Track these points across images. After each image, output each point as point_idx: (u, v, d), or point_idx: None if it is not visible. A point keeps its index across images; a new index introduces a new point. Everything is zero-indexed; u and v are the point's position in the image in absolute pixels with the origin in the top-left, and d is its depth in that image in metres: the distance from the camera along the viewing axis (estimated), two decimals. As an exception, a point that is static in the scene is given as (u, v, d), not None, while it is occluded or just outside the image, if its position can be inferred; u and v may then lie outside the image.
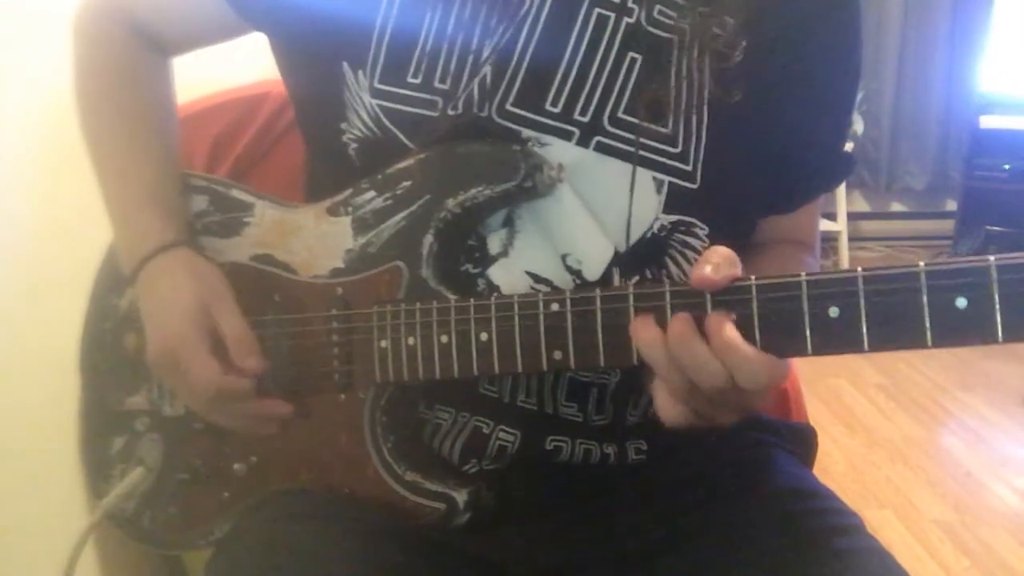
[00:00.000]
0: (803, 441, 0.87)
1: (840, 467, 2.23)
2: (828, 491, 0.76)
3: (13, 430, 0.92)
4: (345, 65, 0.71)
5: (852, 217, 4.02)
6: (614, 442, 0.75)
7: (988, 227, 3.73)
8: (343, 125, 0.73)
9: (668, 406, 0.59)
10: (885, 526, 1.95)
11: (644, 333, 0.57)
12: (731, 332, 0.54)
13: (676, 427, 0.59)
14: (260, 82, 1.17)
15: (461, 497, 0.69)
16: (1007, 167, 3.72)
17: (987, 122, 3.79)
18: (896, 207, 4.32)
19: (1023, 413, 2.52)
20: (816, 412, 2.45)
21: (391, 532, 0.70)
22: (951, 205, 4.16)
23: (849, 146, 0.83)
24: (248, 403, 0.75)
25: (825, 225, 3.68)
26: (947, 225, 4.04)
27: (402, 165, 0.71)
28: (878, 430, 2.44)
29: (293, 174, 0.91)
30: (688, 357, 0.56)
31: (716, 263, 0.56)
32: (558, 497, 0.75)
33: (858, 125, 3.73)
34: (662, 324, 0.57)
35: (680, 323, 0.56)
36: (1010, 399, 2.60)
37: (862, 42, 0.76)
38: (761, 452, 0.81)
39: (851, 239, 3.96)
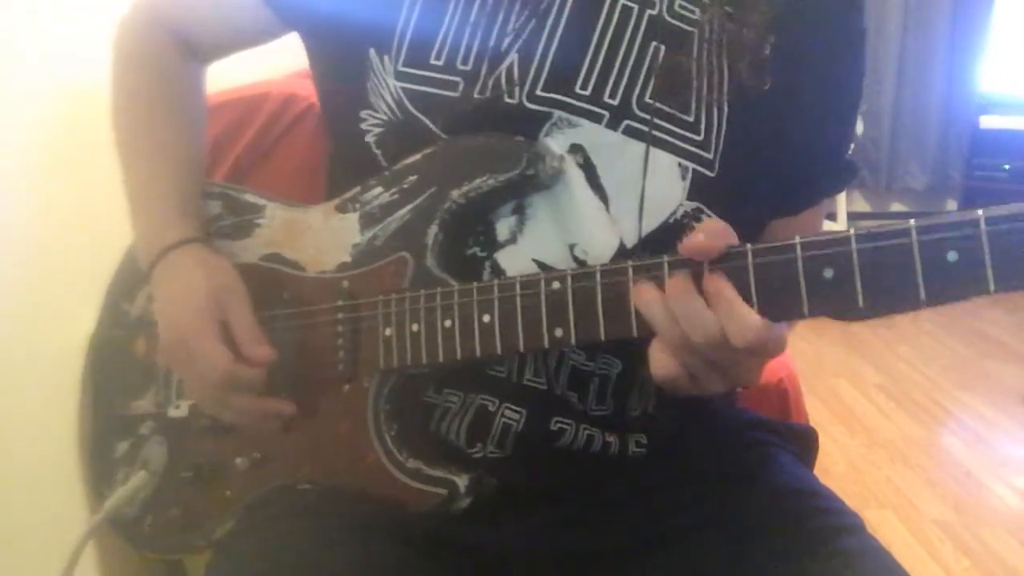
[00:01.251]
0: (803, 441, 0.87)
1: (840, 467, 2.23)
2: (828, 491, 0.76)
3: (13, 434, 0.92)
4: (372, 51, 0.73)
5: (852, 217, 4.02)
6: (615, 432, 0.75)
7: (988, 227, 3.73)
8: (363, 113, 0.75)
9: (661, 359, 0.60)
10: (885, 526, 1.95)
11: (644, 294, 0.59)
12: (729, 290, 0.56)
13: (666, 386, 0.61)
14: (260, 82, 1.17)
15: (462, 482, 0.70)
16: (1007, 167, 3.73)
17: (987, 122, 3.80)
18: (896, 207, 4.32)
19: (1023, 413, 2.53)
20: (816, 412, 2.45)
21: (391, 527, 0.70)
22: (951, 205, 4.16)
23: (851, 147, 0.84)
24: (255, 396, 0.75)
25: (825, 225, 3.67)
26: (947, 225, 4.03)
27: (409, 161, 0.72)
28: (878, 430, 2.44)
29: (293, 174, 0.92)
30: (684, 309, 0.57)
31: (710, 230, 0.58)
32: (559, 488, 0.76)
33: (858, 125, 3.72)
34: (662, 287, 0.59)
35: (679, 278, 0.58)
36: (1010, 399, 2.61)
37: (866, 45, 0.77)
38: (761, 452, 0.81)
39: (851, 239, 3.96)
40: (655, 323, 0.59)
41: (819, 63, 0.73)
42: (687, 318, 0.57)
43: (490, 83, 0.70)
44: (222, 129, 1.10)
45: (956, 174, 4.03)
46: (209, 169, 1.08)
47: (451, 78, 0.71)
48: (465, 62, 0.71)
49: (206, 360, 0.74)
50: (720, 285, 0.56)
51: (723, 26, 0.70)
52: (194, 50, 0.89)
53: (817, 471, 0.84)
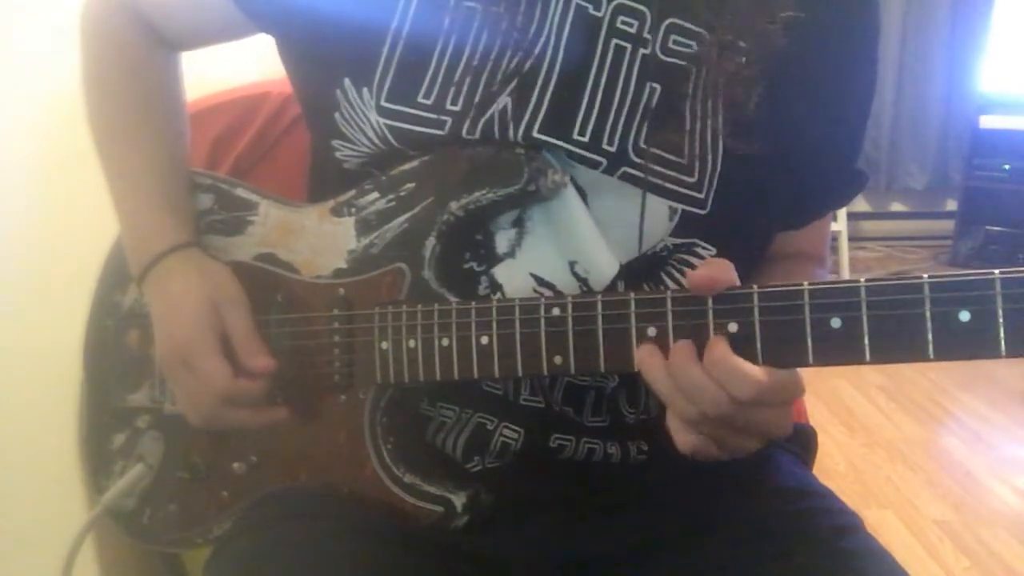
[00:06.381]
0: (803, 441, 0.87)
1: (840, 467, 2.23)
2: (828, 491, 0.76)
3: (13, 426, 0.92)
4: (347, 81, 0.71)
5: (852, 217, 4.02)
6: (616, 441, 0.75)
7: (988, 227, 3.73)
8: (335, 142, 0.73)
9: (681, 434, 0.59)
10: (885, 526, 1.95)
11: (650, 362, 0.58)
12: (725, 355, 0.55)
13: (698, 457, 0.60)
14: (260, 82, 1.17)
15: (459, 500, 0.70)
16: (1007, 167, 3.72)
17: (987, 122, 3.79)
18: (896, 207, 4.33)
19: (1023, 413, 2.52)
20: (816, 412, 2.45)
21: (389, 531, 0.70)
22: (951, 205, 4.16)
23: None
24: (252, 409, 0.74)
25: (825, 225, 3.67)
26: (947, 225, 4.04)
27: (406, 167, 0.71)
28: (878, 430, 2.44)
29: (293, 174, 0.91)
30: (686, 381, 0.57)
31: (714, 265, 0.57)
32: (560, 495, 0.75)
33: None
34: (664, 346, 0.58)
35: (681, 351, 0.57)
36: (1010, 399, 2.60)
37: (879, 56, 0.75)
38: (761, 452, 0.80)
39: (851, 239, 3.96)
40: (663, 396, 0.58)
41: (831, 68, 0.71)
42: (689, 391, 0.56)
43: (480, 123, 0.68)
44: (222, 129, 1.10)
45: (956, 174, 4.03)
46: (209, 169, 1.08)
47: (440, 117, 0.69)
48: (455, 102, 0.69)
49: (205, 375, 0.72)
50: (716, 352, 0.56)
51: (720, 60, 0.67)
52: (162, 38, 0.85)
53: (817, 471, 0.84)
